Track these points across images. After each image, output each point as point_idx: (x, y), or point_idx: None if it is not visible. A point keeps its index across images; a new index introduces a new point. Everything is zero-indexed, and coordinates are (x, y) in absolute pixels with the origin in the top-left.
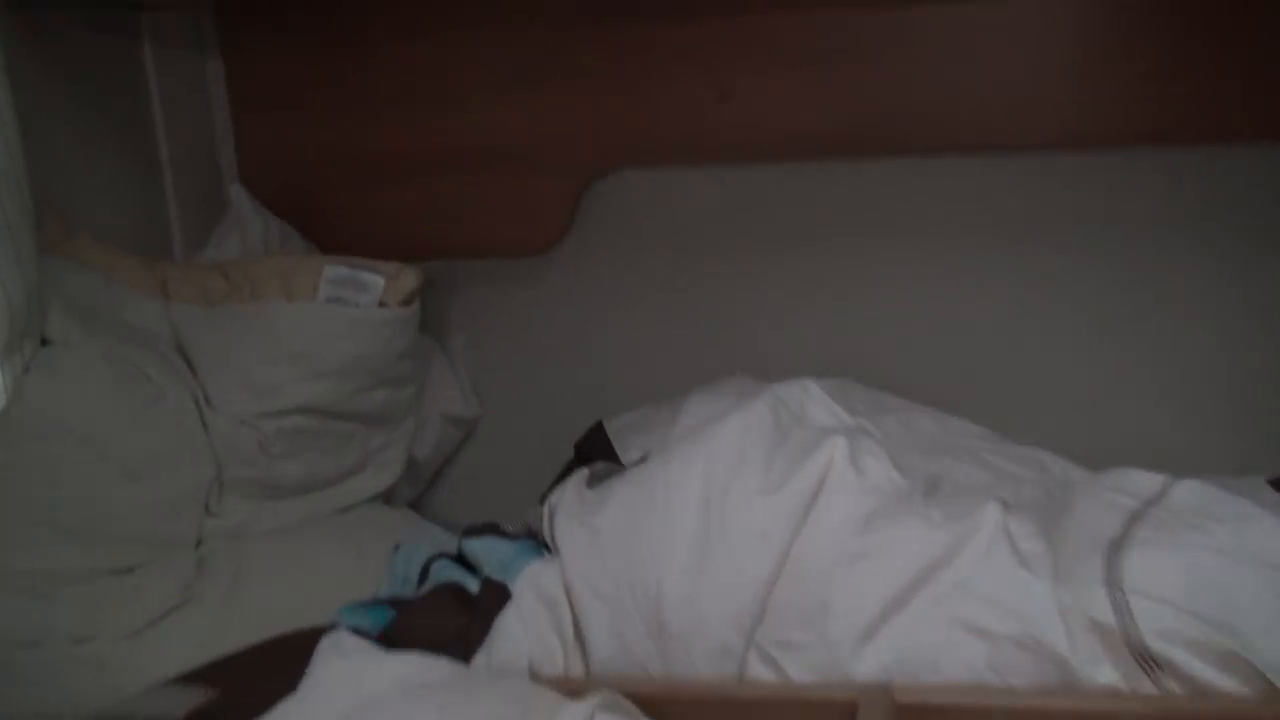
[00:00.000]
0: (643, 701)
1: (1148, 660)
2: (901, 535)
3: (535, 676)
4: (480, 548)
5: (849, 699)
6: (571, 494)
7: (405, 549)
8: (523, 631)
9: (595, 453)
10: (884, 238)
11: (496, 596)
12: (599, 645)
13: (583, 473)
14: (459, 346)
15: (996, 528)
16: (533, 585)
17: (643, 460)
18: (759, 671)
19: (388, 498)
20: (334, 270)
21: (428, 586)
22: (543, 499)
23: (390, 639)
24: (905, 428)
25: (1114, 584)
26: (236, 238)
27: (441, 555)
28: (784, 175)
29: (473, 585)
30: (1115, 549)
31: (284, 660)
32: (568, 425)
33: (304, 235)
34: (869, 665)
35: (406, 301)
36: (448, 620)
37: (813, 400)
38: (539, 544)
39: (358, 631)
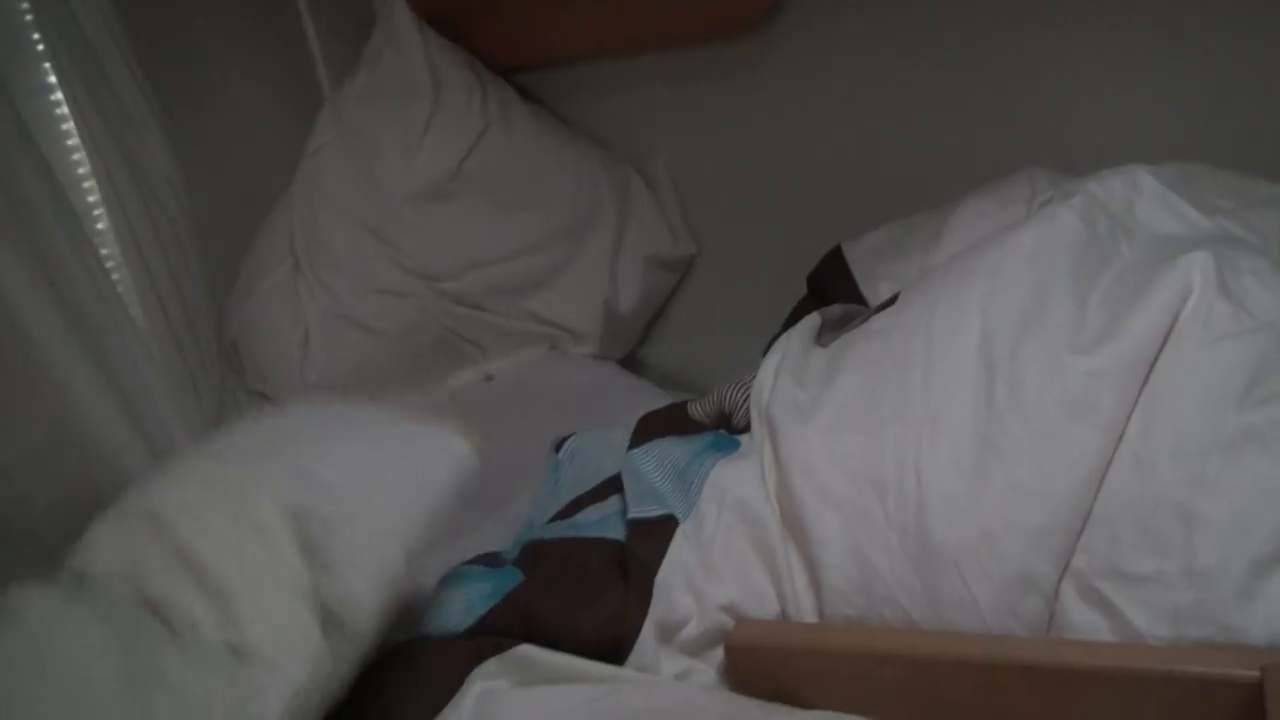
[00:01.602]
0: (894, 662)
1: None
2: None
3: (737, 626)
4: (644, 464)
5: (1247, 676)
6: (796, 350)
7: (573, 450)
8: (700, 577)
9: (834, 288)
10: None
11: (652, 546)
12: (832, 573)
13: (813, 319)
14: (660, 170)
15: None
16: (718, 497)
17: (892, 302)
18: (1080, 616)
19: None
20: None
21: (569, 534)
22: (766, 351)
23: (504, 624)
24: None
25: None
26: (393, 57)
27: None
28: None
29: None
30: None
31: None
32: (798, 253)
33: (469, 50)
34: (1274, 616)
35: None
36: (584, 606)
37: (1147, 197)
38: (732, 431)
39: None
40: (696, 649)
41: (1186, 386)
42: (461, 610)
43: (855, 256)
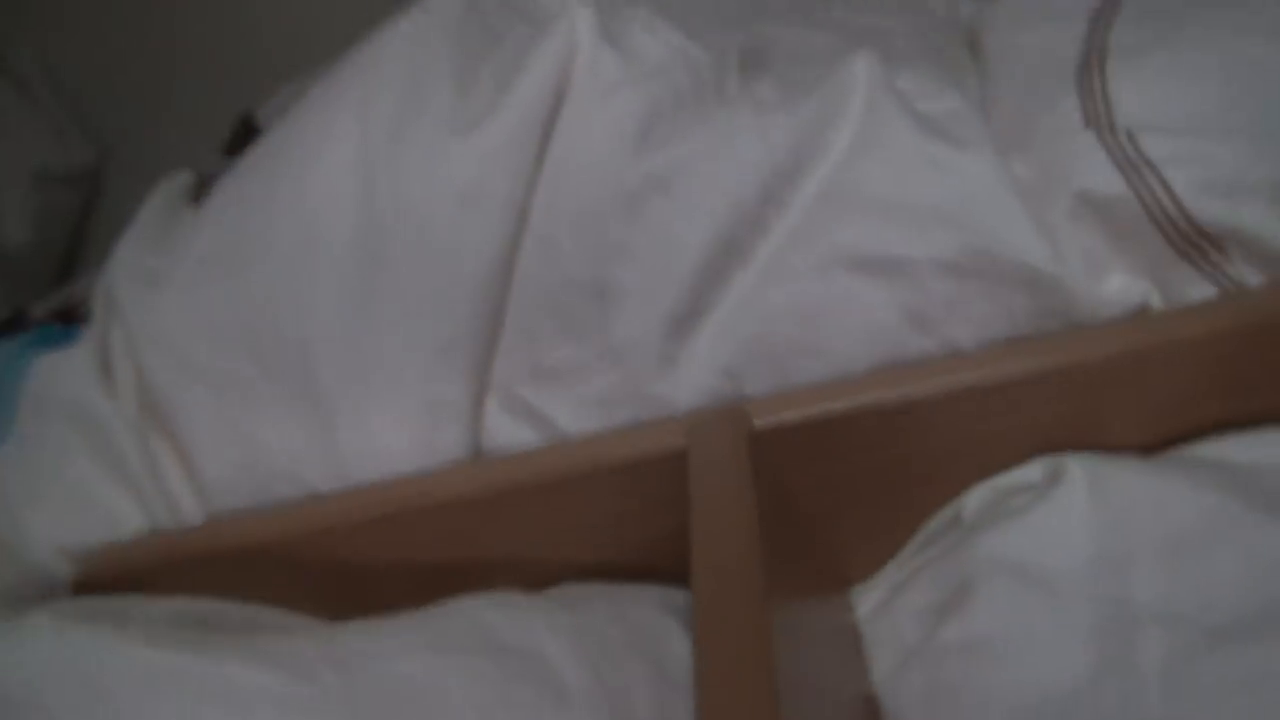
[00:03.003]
0: (304, 542)
1: (1195, 237)
2: (712, 138)
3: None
4: None
5: (669, 447)
6: (153, 217)
7: None
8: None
9: None
10: None
11: None
12: (210, 461)
13: (183, 178)
14: (28, 63)
15: (876, 87)
16: (39, 407)
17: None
18: (506, 435)
19: None
20: None
21: None
22: None
23: None
24: None
25: (1106, 125)
26: None
27: None
28: None
29: None
30: (1085, 73)
31: None
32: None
33: None
34: (696, 376)
35: None
36: None
37: None
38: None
39: None
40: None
41: (581, 147)
42: None
43: (266, 118)
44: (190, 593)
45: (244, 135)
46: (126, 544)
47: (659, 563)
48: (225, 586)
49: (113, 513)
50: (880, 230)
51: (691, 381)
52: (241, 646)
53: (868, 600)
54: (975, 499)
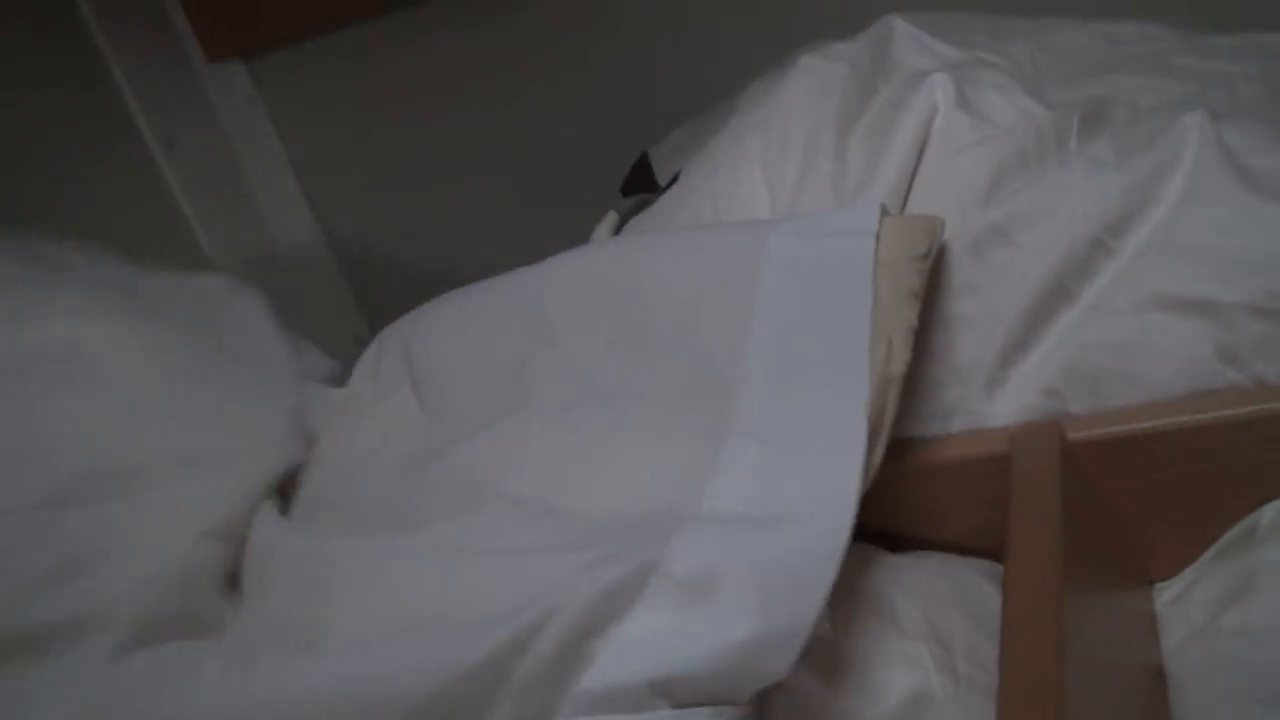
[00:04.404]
0: None
1: None
2: (1052, 191)
3: None
4: None
5: (997, 451)
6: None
7: None
8: None
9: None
10: None
11: None
12: None
13: (610, 218)
14: None
15: (1205, 145)
16: None
17: (674, 181)
18: None
19: None
20: None
21: None
22: None
23: None
24: (1047, 52)
25: None
26: None
27: None
28: None
29: None
30: None
31: None
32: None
33: None
34: (1020, 396)
35: None
36: None
37: (900, 39)
38: None
39: None
40: None
41: (936, 198)
42: None
43: (658, 158)
44: None
45: (639, 174)
46: None
47: (980, 545)
48: None
49: None
50: (1196, 275)
51: (1016, 400)
52: None
53: (1165, 594)
54: (1270, 513)
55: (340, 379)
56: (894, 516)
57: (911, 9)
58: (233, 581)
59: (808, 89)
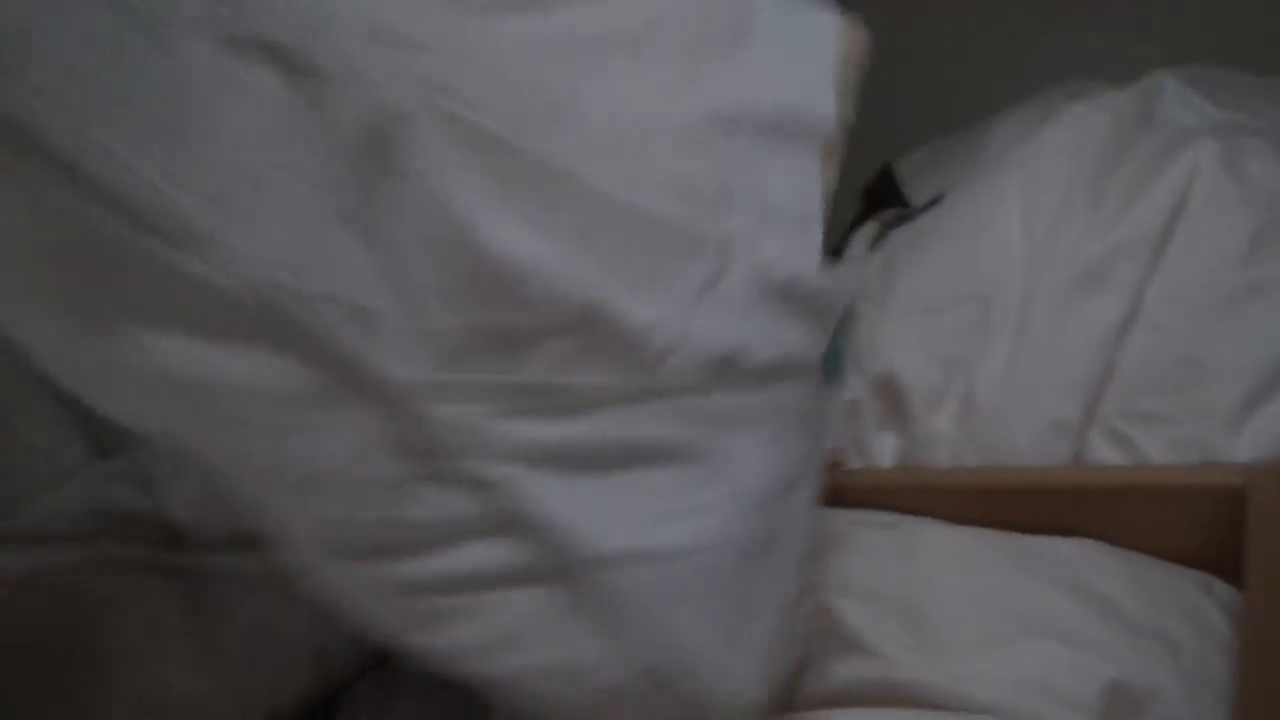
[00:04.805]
0: (950, 492)
1: None
2: None
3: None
4: None
5: (1232, 483)
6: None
7: None
8: None
9: (886, 202)
10: None
11: None
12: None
13: (867, 229)
14: None
15: None
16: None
17: (936, 202)
18: (1103, 454)
19: None
20: None
21: None
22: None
23: None
24: None
25: None
26: None
27: None
28: None
29: None
30: None
31: None
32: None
33: None
34: (1259, 439)
35: None
36: None
37: (1167, 95)
38: None
39: None
40: None
41: (1195, 254)
42: None
43: (905, 171)
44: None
45: (883, 183)
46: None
47: (1199, 562)
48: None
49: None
50: None
51: (1252, 442)
52: None
53: None
54: None
55: None
56: (1120, 526)
57: None
58: None
59: (1072, 132)
